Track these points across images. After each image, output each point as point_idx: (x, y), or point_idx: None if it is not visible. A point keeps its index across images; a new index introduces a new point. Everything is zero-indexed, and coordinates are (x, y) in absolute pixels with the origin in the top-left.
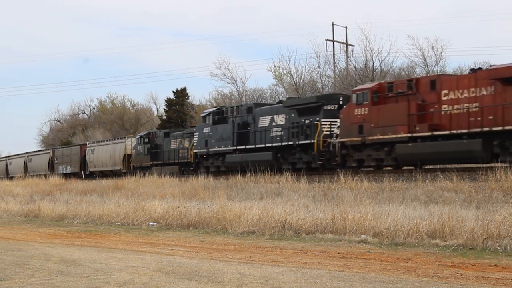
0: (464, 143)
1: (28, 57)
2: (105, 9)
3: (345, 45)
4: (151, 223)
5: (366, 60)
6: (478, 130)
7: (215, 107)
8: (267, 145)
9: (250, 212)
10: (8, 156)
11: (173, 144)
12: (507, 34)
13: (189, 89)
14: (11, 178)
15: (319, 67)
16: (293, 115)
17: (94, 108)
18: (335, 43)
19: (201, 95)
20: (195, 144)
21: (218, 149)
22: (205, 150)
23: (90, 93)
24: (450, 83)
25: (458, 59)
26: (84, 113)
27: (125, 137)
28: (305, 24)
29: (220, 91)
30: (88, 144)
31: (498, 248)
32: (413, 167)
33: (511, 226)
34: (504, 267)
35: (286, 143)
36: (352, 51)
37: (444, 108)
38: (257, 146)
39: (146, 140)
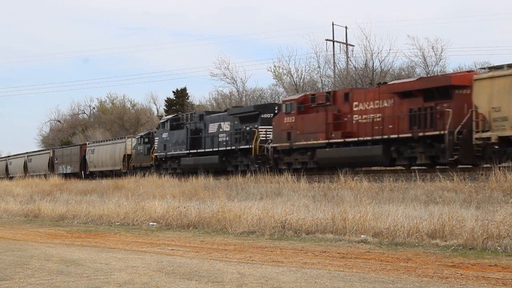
0: (368, 149)
1: (28, 57)
2: (105, 9)
3: (345, 45)
4: (151, 223)
5: (366, 60)
6: (379, 137)
7: (173, 114)
8: (214, 149)
9: (250, 212)
10: (8, 156)
11: None
12: (507, 34)
13: (189, 89)
14: (11, 178)
15: (319, 67)
16: (236, 122)
17: (94, 108)
18: (335, 43)
19: (201, 95)
20: (155, 148)
21: (174, 152)
22: (164, 153)
23: (90, 93)
24: (360, 96)
25: (458, 59)
26: (84, 113)
27: (125, 137)
28: (305, 24)
29: (220, 91)
30: (88, 144)
31: (498, 248)
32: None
33: (511, 226)
34: (504, 267)
35: (230, 148)
36: (352, 51)
37: (355, 117)
38: (206, 150)
39: (146, 140)
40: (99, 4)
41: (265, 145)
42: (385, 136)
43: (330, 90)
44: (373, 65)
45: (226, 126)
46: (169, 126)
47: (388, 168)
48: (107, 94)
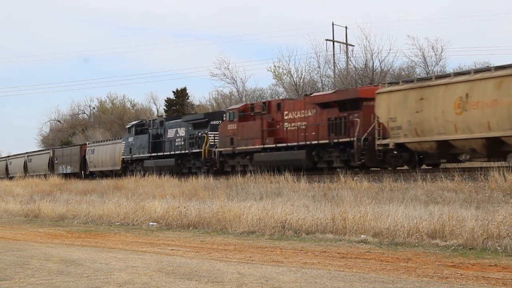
0: (295, 153)
1: (28, 57)
2: (105, 9)
3: (345, 45)
4: (151, 223)
5: (366, 60)
6: (303, 143)
7: (138, 120)
8: (172, 152)
9: (250, 212)
10: (8, 156)
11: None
12: (507, 34)
13: (189, 89)
14: (11, 178)
15: (319, 67)
16: (190, 128)
17: (94, 108)
18: (335, 43)
19: (201, 95)
20: (122, 151)
21: (138, 155)
22: (130, 156)
23: (90, 93)
24: (290, 106)
25: (458, 59)
26: (84, 113)
27: None
28: (305, 24)
29: (220, 91)
30: (88, 144)
31: (498, 248)
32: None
33: (511, 226)
34: (504, 267)
35: (184, 151)
36: (352, 51)
37: (286, 125)
38: (165, 153)
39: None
40: (99, 4)
41: (213, 149)
42: (308, 142)
43: (266, 100)
44: (373, 65)
45: (182, 131)
46: (134, 131)
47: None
48: (107, 94)
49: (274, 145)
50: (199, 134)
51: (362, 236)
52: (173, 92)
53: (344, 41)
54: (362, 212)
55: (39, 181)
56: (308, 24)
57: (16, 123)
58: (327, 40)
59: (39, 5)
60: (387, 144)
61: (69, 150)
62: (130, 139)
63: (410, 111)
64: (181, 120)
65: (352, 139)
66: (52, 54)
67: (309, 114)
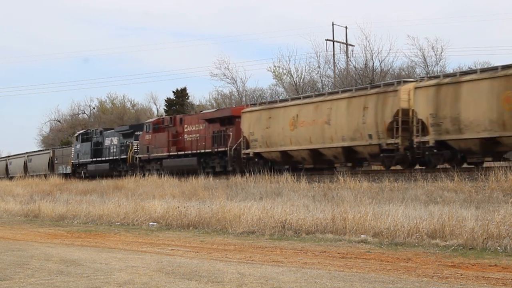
0: (190, 160)
1: (28, 57)
2: (105, 9)
3: (345, 45)
4: (151, 223)
5: (366, 60)
6: (195, 151)
7: (83, 129)
8: (107, 158)
9: (250, 212)
10: (8, 156)
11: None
12: (507, 34)
13: (189, 89)
14: (11, 178)
15: (319, 67)
16: (121, 137)
17: (94, 108)
18: (335, 43)
19: (201, 95)
20: (72, 156)
21: (83, 160)
22: (77, 161)
23: (90, 93)
24: (189, 120)
25: (458, 59)
26: (84, 113)
27: None
28: (305, 24)
29: (220, 91)
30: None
31: (498, 248)
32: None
33: (511, 226)
34: (504, 267)
35: (116, 157)
36: (352, 51)
37: (185, 137)
38: (102, 159)
39: None
40: (99, 4)
41: (136, 156)
42: (199, 151)
43: (172, 116)
44: (373, 65)
45: (115, 140)
46: (81, 139)
47: (387, 168)
48: (107, 94)
49: (176, 153)
50: (127, 142)
51: (362, 236)
52: (173, 92)
53: (344, 41)
54: (362, 212)
55: (39, 181)
56: (308, 24)
57: (16, 123)
58: (327, 40)
59: (39, 5)
60: (249, 153)
61: (69, 150)
62: (78, 146)
63: (263, 127)
64: (114, 130)
65: (226, 148)
66: (52, 54)
67: (201, 128)
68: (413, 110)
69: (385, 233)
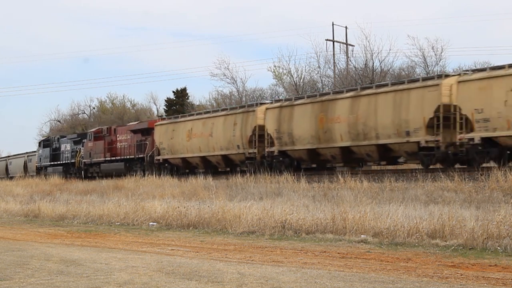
0: (119, 164)
1: (28, 57)
2: (105, 9)
3: (345, 45)
4: (151, 223)
5: (366, 60)
6: (124, 157)
7: (45, 136)
8: (62, 162)
9: (250, 212)
10: (8, 156)
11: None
12: (507, 34)
13: (189, 89)
14: (11, 178)
15: (319, 67)
16: (72, 144)
17: (94, 108)
18: (335, 43)
19: (201, 95)
20: (37, 159)
21: (44, 164)
22: (40, 164)
23: (90, 93)
24: (120, 131)
25: (458, 59)
26: (84, 113)
27: None
28: (305, 24)
29: (220, 91)
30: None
31: (498, 248)
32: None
33: (511, 226)
34: (504, 267)
35: (69, 161)
36: (352, 51)
37: (118, 144)
38: (58, 162)
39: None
40: (99, 4)
41: (82, 160)
42: (125, 157)
43: (108, 126)
44: (373, 65)
45: (68, 146)
46: (43, 145)
47: (388, 168)
48: (107, 94)
49: (110, 158)
50: (76, 148)
51: (362, 236)
52: (173, 92)
53: (344, 41)
54: (362, 212)
55: (39, 181)
56: (308, 24)
57: (16, 123)
58: (327, 40)
59: (39, 5)
60: (159, 159)
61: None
62: (40, 151)
63: (169, 138)
64: (67, 138)
65: (144, 155)
66: (52, 54)
67: (128, 137)
68: (264, 126)
69: (385, 233)
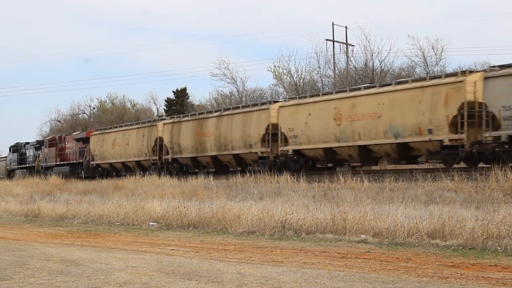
0: (66, 168)
1: (28, 57)
2: (105, 9)
3: (345, 45)
4: (151, 223)
5: (366, 60)
6: (70, 162)
7: (15, 143)
8: (27, 165)
9: (250, 212)
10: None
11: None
12: (507, 34)
13: (189, 89)
14: (11, 178)
15: (319, 67)
16: (34, 150)
17: (94, 108)
18: (335, 43)
19: (201, 95)
20: (8, 163)
21: (13, 167)
22: (10, 167)
23: (90, 93)
24: (68, 139)
25: (458, 59)
26: (84, 113)
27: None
28: (305, 24)
29: (220, 91)
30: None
31: (498, 248)
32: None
33: (511, 226)
34: (504, 267)
35: (31, 165)
36: (352, 51)
37: (66, 151)
38: (24, 166)
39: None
40: (99, 4)
41: (40, 164)
42: (71, 161)
43: (59, 135)
44: (373, 65)
45: (31, 152)
46: (12, 150)
47: (389, 168)
48: (107, 94)
49: (60, 163)
50: (37, 154)
51: (362, 236)
52: (173, 92)
53: (344, 41)
54: (362, 212)
55: (39, 181)
56: (308, 24)
57: (16, 123)
58: (327, 40)
59: (39, 5)
60: (93, 164)
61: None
62: (10, 156)
63: (99, 146)
64: (30, 144)
65: (82, 160)
66: (52, 54)
67: (73, 145)
68: (162, 138)
69: (385, 233)
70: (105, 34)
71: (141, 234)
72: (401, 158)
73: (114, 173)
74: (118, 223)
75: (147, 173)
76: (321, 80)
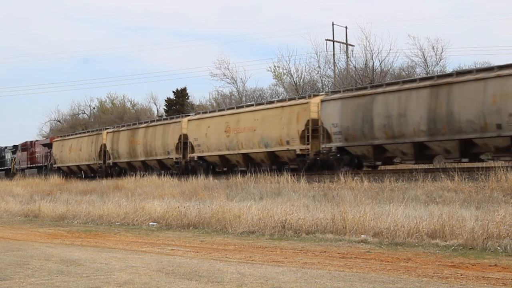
0: (35, 170)
1: (28, 57)
2: (105, 9)
3: (345, 45)
4: (151, 223)
5: (366, 60)
6: (37, 164)
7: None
8: (5, 167)
9: (250, 212)
10: None
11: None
12: (508, 34)
13: (189, 89)
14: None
15: (319, 67)
16: (11, 153)
17: (94, 108)
18: (335, 43)
19: (201, 95)
20: None
21: None
22: None
23: (90, 93)
24: (37, 144)
25: (458, 59)
26: (84, 113)
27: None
28: (305, 24)
29: (220, 91)
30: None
31: (498, 248)
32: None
33: (511, 226)
34: (504, 267)
35: (9, 167)
36: (352, 51)
37: (36, 155)
38: (3, 168)
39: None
40: (99, 4)
41: (15, 166)
42: (38, 164)
43: (31, 141)
44: (373, 65)
45: (9, 155)
46: None
47: (388, 168)
48: (107, 94)
49: (30, 165)
50: (13, 157)
51: (362, 236)
52: (173, 92)
53: (344, 41)
54: (362, 212)
55: (39, 181)
56: (308, 24)
57: (16, 123)
58: (327, 40)
59: (39, 5)
60: (55, 166)
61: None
62: None
63: (59, 151)
64: (7, 148)
65: (46, 164)
66: (52, 54)
67: (41, 149)
68: (105, 145)
69: (385, 233)
70: (105, 34)
71: (141, 234)
72: (272, 164)
73: (72, 175)
74: (118, 223)
75: (97, 175)
76: (321, 80)
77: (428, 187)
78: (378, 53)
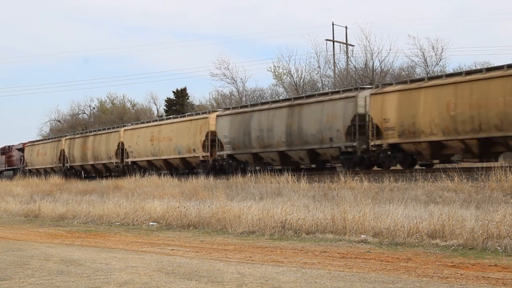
0: (11, 172)
1: (28, 57)
2: (105, 9)
3: (345, 45)
4: (151, 223)
5: (366, 60)
6: (14, 167)
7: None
8: None
9: (250, 212)
10: None
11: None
12: (508, 34)
13: (189, 89)
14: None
15: (319, 67)
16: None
17: (94, 108)
18: (335, 43)
19: (201, 95)
20: None
21: None
22: None
23: (90, 93)
24: (13, 149)
25: (458, 59)
26: (84, 113)
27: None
28: (305, 24)
29: (220, 91)
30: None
31: (498, 248)
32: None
33: (511, 226)
34: (504, 267)
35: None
36: (352, 51)
37: (13, 158)
38: None
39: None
40: (99, 4)
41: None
42: (14, 167)
43: (9, 146)
44: (373, 65)
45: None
46: None
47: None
48: (107, 94)
49: (7, 168)
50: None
51: (362, 236)
52: (173, 92)
53: (344, 41)
54: (362, 212)
55: (39, 181)
56: (308, 24)
57: (16, 123)
58: (327, 40)
59: (39, 5)
60: (26, 169)
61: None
62: None
63: (29, 155)
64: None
65: (20, 167)
66: (52, 54)
67: (16, 153)
68: (64, 150)
69: (385, 233)
70: (105, 34)
71: (141, 234)
72: (185, 168)
73: (40, 175)
74: (118, 223)
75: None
76: (321, 80)
77: (428, 187)
78: (378, 53)
